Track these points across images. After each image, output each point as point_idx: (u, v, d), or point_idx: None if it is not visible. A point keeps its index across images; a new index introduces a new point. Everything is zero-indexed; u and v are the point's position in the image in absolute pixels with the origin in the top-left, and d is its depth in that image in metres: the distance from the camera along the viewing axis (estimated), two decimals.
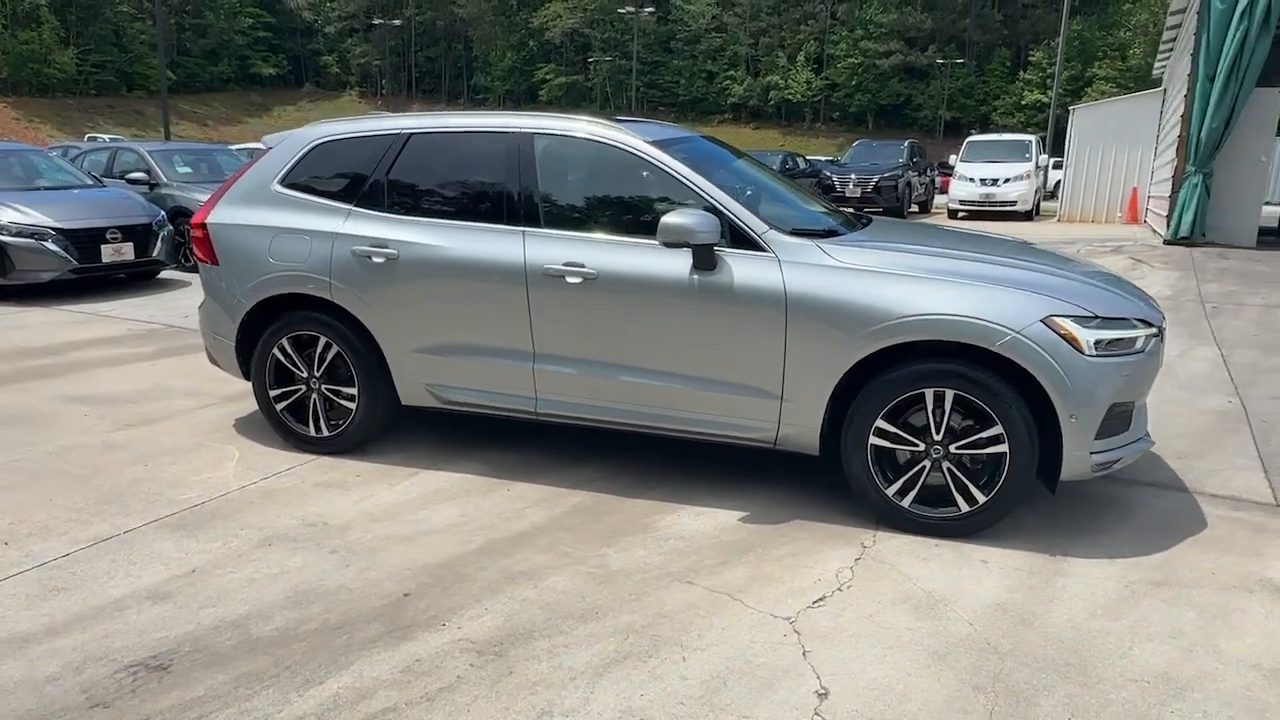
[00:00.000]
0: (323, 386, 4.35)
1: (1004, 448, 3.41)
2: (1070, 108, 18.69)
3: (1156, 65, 19.19)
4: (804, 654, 2.75)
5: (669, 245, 3.63)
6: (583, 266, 3.80)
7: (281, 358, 4.38)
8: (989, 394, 3.39)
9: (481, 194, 4.10)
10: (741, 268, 3.63)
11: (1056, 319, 3.35)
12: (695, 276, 3.67)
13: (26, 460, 4.28)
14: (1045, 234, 15.33)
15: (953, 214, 19.30)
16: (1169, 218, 10.75)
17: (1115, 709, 2.51)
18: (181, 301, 8.50)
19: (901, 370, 3.47)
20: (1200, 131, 10.24)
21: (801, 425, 3.66)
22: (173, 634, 2.83)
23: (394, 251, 4.08)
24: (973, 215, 19.03)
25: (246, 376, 4.57)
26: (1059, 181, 20.13)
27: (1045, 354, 3.31)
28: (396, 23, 72.40)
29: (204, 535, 3.51)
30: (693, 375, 3.74)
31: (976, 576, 3.26)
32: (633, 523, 3.68)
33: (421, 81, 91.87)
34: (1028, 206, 18.66)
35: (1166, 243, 11.09)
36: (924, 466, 3.54)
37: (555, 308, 3.87)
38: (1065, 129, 19.02)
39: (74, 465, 4.23)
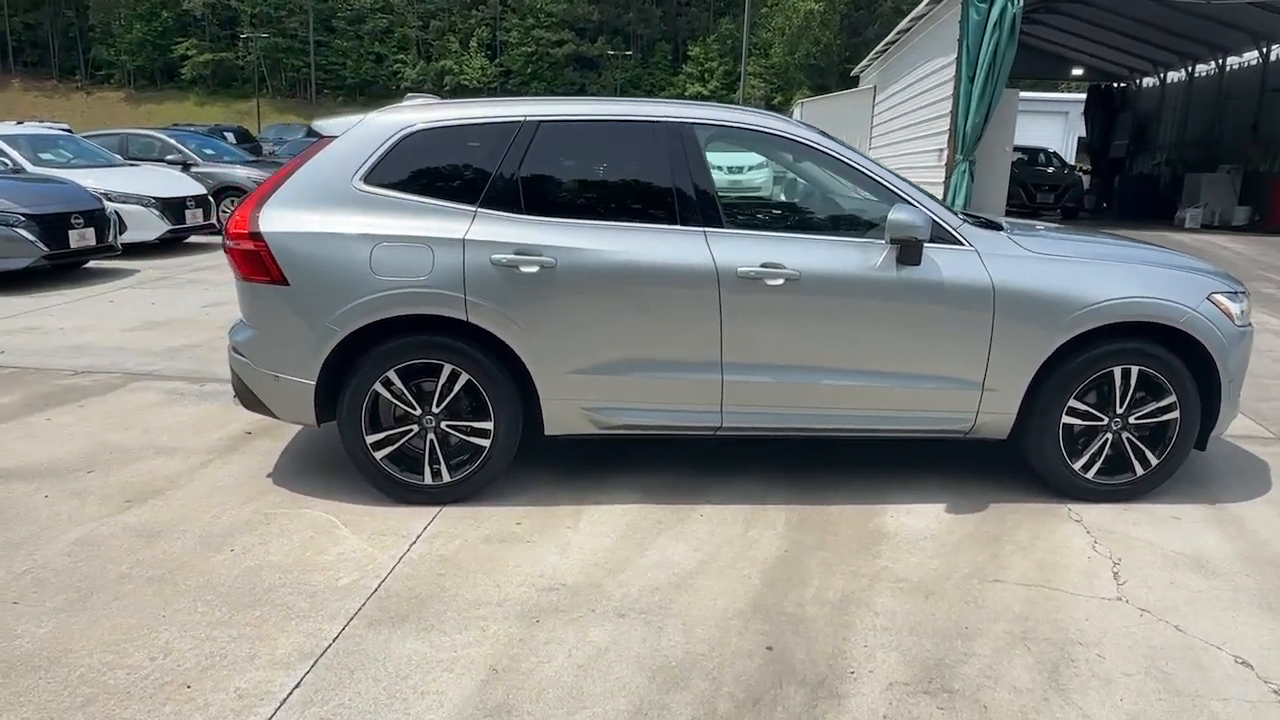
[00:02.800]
0: (442, 424, 3.64)
1: (1175, 415, 3.78)
2: (798, 101, 20.68)
3: (859, 68, 21.89)
4: (1177, 629, 2.88)
5: (895, 242, 3.53)
6: (783, 267, 3.56)
7: (387, 394, 3.58)
8: (1167, 367, 3.73)
9: (644, 191, 3.67)
10: (946, 262, 3.63)
11: (1216, 295, 3.77)
12: (901, 272, 3.60)
13: (45, 569, 3.09)
14: None
15: None
16: (943, 201, 12.42)
17: None
18: None
19: (1095, 351, 3.70)
20: (965, 125, 11.91)
21: (1000, 412, 3.76)
22: None
23: (550, 259, 3.50)
24: None
25: (319, 422, 3.67)
26: None
27: (1214, 327, 3.72)
28: None
29: (441, 625, 2.80)
30: (898, 372, 3.68)
31: (1190, 532, 3.60)
32: (861, 530, 3.55)
33: (21, 52, 77.40)
34: (769, 193, 20.29)
35: None
36: (1105, 439, 3.82)
37: (752, 312, 3.58)
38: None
39: (128, 566, 3.13)
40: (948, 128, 12.20)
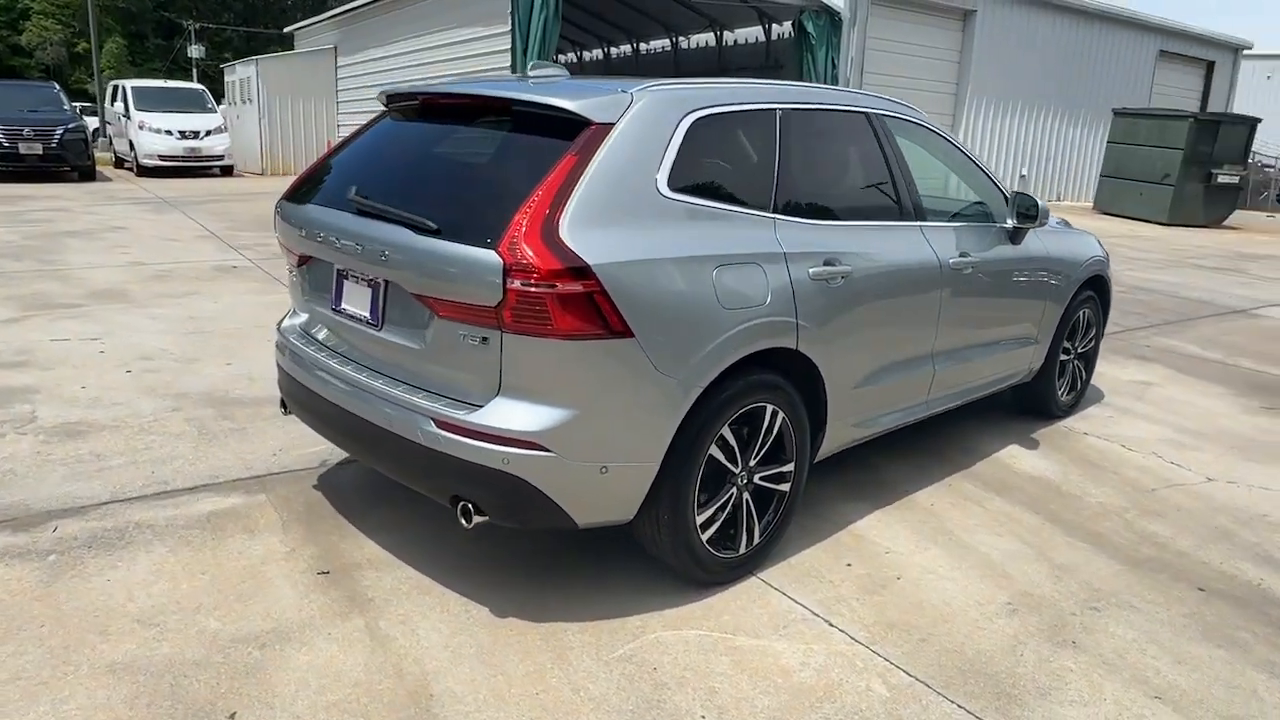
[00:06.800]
0: (756, 477, 2.99)
1: (1094, 340, 5.06)
2: (257, 59, 18.01)
3: (295, 27, 19.89)
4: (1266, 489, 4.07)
5: (1043, 227, 3.98)
6: (969, 255, 3.75)
7: (720, 455, 2.80)
8: (1098, 305, 4.96)
9: (877, 187, 3.44)
10: (1029, 238, 4.22)
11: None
12: (1016, 251, 4.09)
13: None
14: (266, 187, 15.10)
15: (145, 170, 16.56)
16: None
17: None
18: None
19: (1078, 299, 4.71)
20: None
21: (1040, 359, 4.54)
22: None
23: (848, 267, 3.12)
24: (175, 172, 16.80)
25: (629, 515, 2.69)
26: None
27: (1108, 269, 5.04)
28: None
29: (1056, 693, 2.52)
30: (1009, 338, 4.19)
31: (1136, 425, 4.88)
32: (1025, 480, 4.00)
33: None
34: (232, 161, 17.50)
35: None
36: (1071, 367, 4.91)
37: (955, 302, 3.70)
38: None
39: None
40: None
